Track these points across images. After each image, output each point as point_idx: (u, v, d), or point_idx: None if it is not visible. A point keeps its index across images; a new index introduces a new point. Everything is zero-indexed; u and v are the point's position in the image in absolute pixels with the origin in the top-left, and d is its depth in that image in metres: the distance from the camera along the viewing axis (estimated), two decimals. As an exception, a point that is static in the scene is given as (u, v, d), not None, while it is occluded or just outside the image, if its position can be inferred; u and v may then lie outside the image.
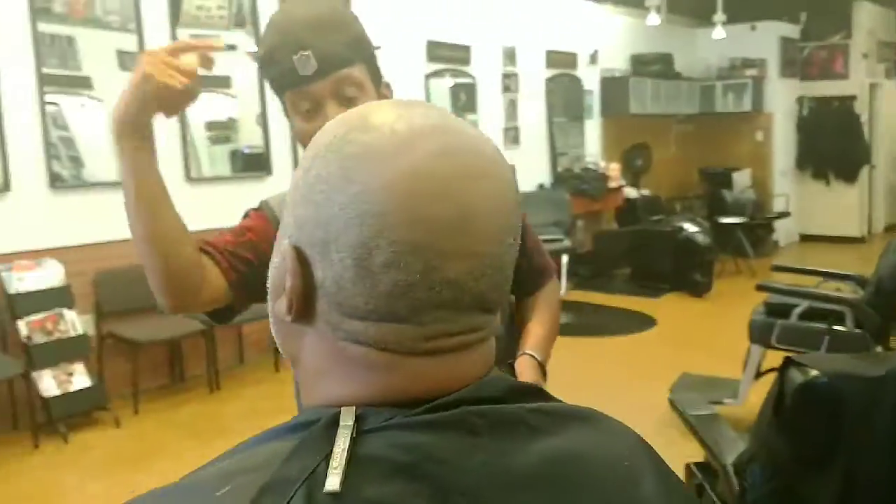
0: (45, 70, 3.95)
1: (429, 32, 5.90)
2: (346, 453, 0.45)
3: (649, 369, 4.63)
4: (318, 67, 1.08)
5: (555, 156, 7.27)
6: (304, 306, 0.51)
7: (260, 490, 0.44)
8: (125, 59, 4.22)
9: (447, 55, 6.10)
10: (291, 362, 0.56)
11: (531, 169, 6.88)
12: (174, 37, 4.39)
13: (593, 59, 7.63)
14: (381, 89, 1.19)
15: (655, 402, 3.71)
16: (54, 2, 3.98)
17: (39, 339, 3.77)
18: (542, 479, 0.48)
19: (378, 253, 0.47)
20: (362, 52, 1.14)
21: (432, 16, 5.92)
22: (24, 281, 3.80)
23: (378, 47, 1.21)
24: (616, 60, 7.91)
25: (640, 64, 8.08)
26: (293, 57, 1.08)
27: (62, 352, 3.83)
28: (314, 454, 0.46)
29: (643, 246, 7.04)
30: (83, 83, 4.14)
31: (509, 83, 6.73)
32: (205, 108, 4.67)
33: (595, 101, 7.77)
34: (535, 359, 1.33)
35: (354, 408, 0.48)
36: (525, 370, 1.31)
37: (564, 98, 7.40)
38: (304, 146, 1.08)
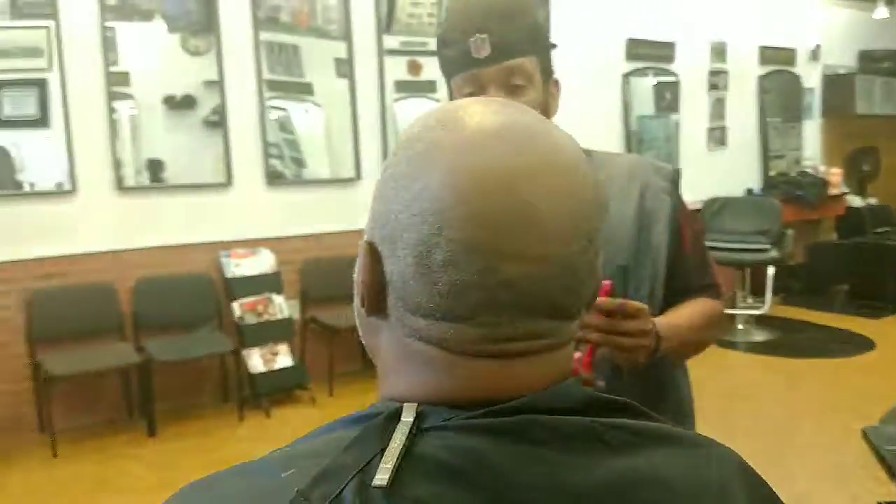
0: (271, 76, 4.31)
1: (629, 29, 5.73)
2: (401, 450, 0.45)
3: (858, 398, 4.15)
4: (491, 53, 1.08)
5: (766, 159, 6.76)
6: (375, 301, 0.52)
7: (319, 474, 0.45)
8: (341, 66, 4.51)
9: (648, 53, 5.88)
10: (372, 356, 0.56)
11: (738, 173, 6.46)
12: (381, 43, 4.63)
13: (814, 55, 7.00)
14: (550, 86, 1.16)
15: (857, 435, 3.33)
16: (281, 12, 4.33)
17: (250, 319, 4.16)
18: (608, 501, 0.46)
19: (437, 251, 0.47)
20: (538, 43, 1.13)
21: (634, 12, 5.73)
22: (241, 267, 4.22)
23: (554, 45, 1.19)
24: (840, 56, 7.20)
25: (870, 61, 7.30)
26: (469, 39, 1.08)
27: (269, 333, 4.20)
28: (372, 446, 0.46)
29: (866, 260, 6.34)
30: (306, 89, 4.47)
31: (717, 81, 6.36)
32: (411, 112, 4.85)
33: (815, 101, 7.12)
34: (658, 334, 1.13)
35: (416, 405, 0.48)
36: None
37: (780, 97, 6.85)
38: None
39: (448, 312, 0.48)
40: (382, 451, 0.45)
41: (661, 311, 1.18)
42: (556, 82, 1.19)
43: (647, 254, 1.19)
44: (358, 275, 0.53)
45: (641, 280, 1.18)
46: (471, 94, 1.09)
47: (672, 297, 1.21)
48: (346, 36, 4.52)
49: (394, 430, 0.46)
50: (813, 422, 3.78)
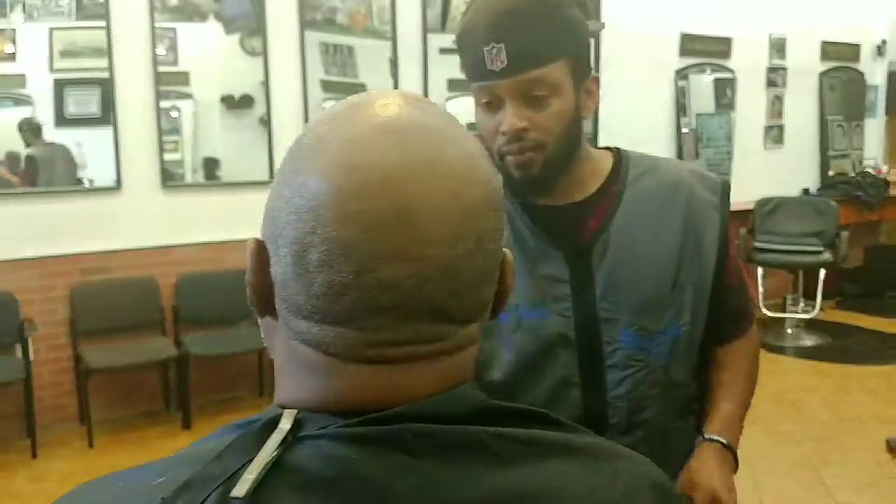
0: (326, 77, 4.38)
1: (683, 24, 5.63)
2: (269, 460, 0.43)
3: (910, 408, 4.06)
4: (508, 65, 0.97)
5: (825, 158, 6.58)
6: (262, 302, 0.50)
7: (183, 484, 0.44)
8: (393, 67, 4.56)
9: (702, 48, 5.78)
10: (273, 358, 0.54)
11: (795, 172, 6.29)
12: (426, 43, 4.68)
13: (880, 50, 6.76)
14: (587, 84, 1.05)
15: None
16: (338, 13, 4.40)
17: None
18: None
19: (312, 251, 0.45)
20: (567, 46, 1.00)
21: (687, 5, 5.61)
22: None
23: (601, 26, 1.09)
24: (910, 52, 6.92)
25: (942, 55, 6.98)
26: (484, 48, 0.97)
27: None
28: (242, 455, 0.45)
29: (927, 265, 6.12)
30: (359, 90, 4.51)
31: (775, 77, 6.21)
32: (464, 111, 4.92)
33: (880, 99, 6.88)
34: (721, 443, 1.10)
35: (295, 412, 0.46)
36: (707, 462, 1.08)
37: (842, 94, 6.64)
38: (484, 140, 1.04)
39: (327, 315, 0.46)
40: (252, 461, 0.44)
41: (702, 337, 1.12)
42: (595, 79, 1.07)
43: (691, 275, 1.09)
44: (246, 274, 0.51)
45: (683, 304, 1.08)
46: (488, 105, 1.02)
47: (710, 322, 1.12)
48: (392, 36, 4.57)
49: (268, 439, 0.45)
50: (859, 430, 3.70)
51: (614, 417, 1.07)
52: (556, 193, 1.08)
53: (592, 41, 1.11)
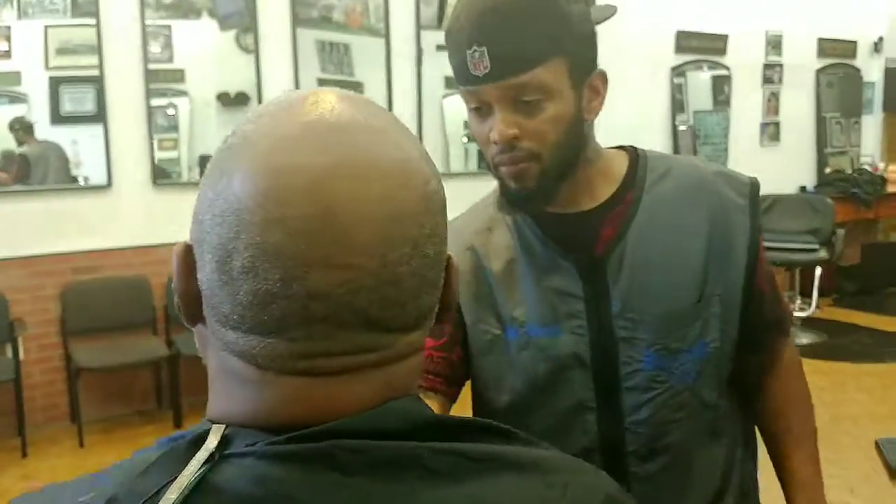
0: (322, 75, 4.36)
1: (679, 21, 5.61)
2: (191, 479, 0.41)
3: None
4: (491, 69, 0.88)
5: (822, 155, 6.56)
6: (190, 311, 0.48)
7: (107, 501, 0.43)
8: (388, 64, 4.53)
9: (698, 45, 5.76)
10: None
11: (792, 169, 6.28)
12: (419, 40, 4.65)
13: (877, 47, 6.74)
14: (591, 81, 0.95)
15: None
16: (334, 11, 4.38)
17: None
18: None
19: (236, 256, 0.43)
20: (562, 43, 0.90)
21: (684, 3, 5.60)
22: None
23: (612, 11, 1.02)
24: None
25: (940, 51, 6.97)
26: (467, 51, 0.89)
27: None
28: (167, 473, 0.43)
29: (925, 262, 6.11)
30: (356, 88, 4.49)
31: (771, 74, 6.19)
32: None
33: (876, 96, 6.86)
34: None
35: (223, 427, 0.44)
36: None
37: (839, 91, 6.63)
38: (479, 146, 0.97)
39: (255, 325, 0.44)
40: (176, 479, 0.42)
41: (735, 351, 1.02)
42: (601, 75, 0.96)
43: (718, 286, 0.98)
44: (173, 280, 0.48)
45: (710, 318, 0.98)
46: (477, 110, 0.94)
47: (744, 334, 1.02)
48: (386, 33, 4.55)
49: (193, 456, 0.43)
50: (853, 429, 3.70)
51: (633, 444, 0.97)
52: (564, 201, 0.98)
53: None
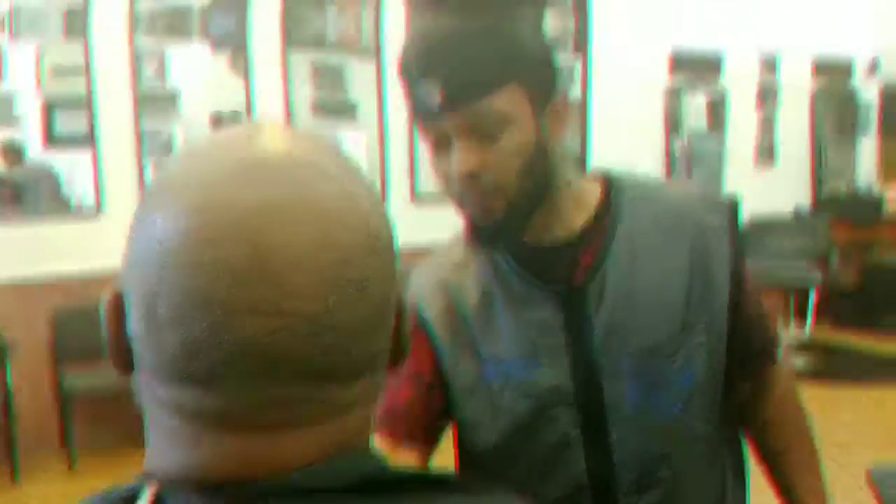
0: (316, 97, 4.37)
1: (673, 42, 5.60)
2: None
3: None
4: (443, 102, 0.84)
5: (819, 176, 6.56)
6: (119, 360, 0.46)
7: None
8: (380, 86, 4.55)
9: (692, 66, 5.76)
10: None
11: (788, 191, 6.27)
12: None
13: (873, 68, 6.75)
14: (554, 106, 0.91)
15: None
16: (328, 32, 4.38)
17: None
18: None
19: (161, 303, 0.41)
20: (517, 68, 0.86)
21: (677, 22, 5.59)
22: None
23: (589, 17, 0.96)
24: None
25: (936, 72, 6.96)
26: (418, 84, 0.86)
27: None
28: None
29: (922, 284, 6.08)
30: (351, 110, 4.51)
31: (767, 95, 6.20)
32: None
33: (872, 116, 6.86)
34: None
35: (157, 486, 0.42)
36: None
37: (834, 112, 6.64)
38: (443, 188, 0.94)
39: (184, 376, 0.41)
40: None
41: (723, 379, 0.99)
42: (563, 99, 0.92)
43: (703, 315, 0.96)
44: (104, 330, 0.47)
45: (695, 348, 0.95)
46: (437, 147, 0.89)
47: (731, 363, 0.99)
48: (378, 54, 4.55)
49: None
50: (843, 454, 3.67)
51: (624, 479, 0.95)
52: (537, 231, 0.95)
53: (580, 54, 0.93)
